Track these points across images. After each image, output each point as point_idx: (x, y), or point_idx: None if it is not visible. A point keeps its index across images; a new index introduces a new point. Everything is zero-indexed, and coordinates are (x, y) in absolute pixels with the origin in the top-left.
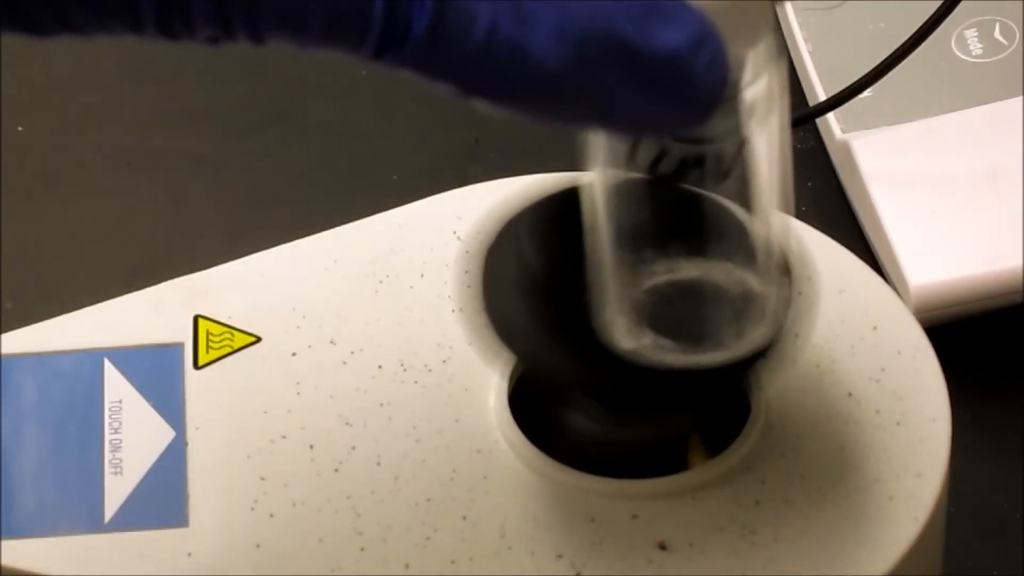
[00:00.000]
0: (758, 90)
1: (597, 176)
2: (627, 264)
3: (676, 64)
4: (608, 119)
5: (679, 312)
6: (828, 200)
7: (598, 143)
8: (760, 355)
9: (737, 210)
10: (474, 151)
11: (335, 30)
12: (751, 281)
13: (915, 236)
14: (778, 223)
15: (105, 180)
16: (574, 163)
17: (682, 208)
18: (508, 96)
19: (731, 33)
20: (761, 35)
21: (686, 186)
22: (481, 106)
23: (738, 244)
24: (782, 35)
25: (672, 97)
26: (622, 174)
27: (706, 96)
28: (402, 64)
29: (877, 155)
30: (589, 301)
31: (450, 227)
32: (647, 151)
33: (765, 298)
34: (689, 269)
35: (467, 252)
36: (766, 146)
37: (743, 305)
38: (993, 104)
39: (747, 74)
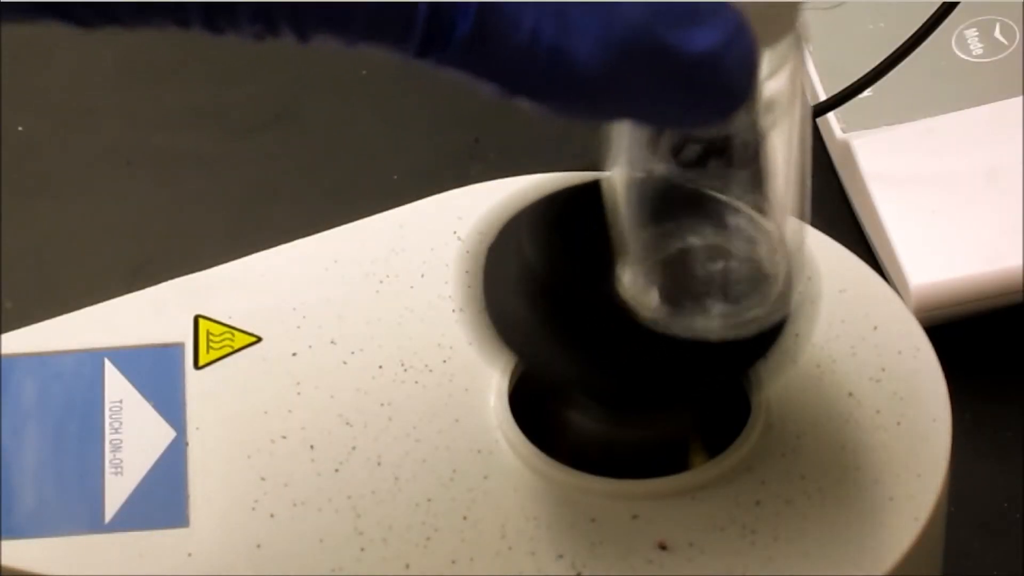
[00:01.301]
0: (781, 80)
1: (615, 153)
2: (643, 233)
3: (710, 63)
4: (642, 115)
5: (681, 279)
6: (828, 200)
7: (622, 128)
8: (762, 338)
9: (753, 192)
10: (474, 151)
11: (379, 29)
12: (763, 259)
13: (915, 236)
14: (793, 208)
15: (105, 180)
16: (575, 163)
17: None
18: (548, 97)
19: (761, 28)
20: (788, 30)
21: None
22: (522, 104)
23: (750, 223)
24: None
25: (705, 93)
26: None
27: (735, 92)
28: (445, 64)
29: (877, 155)
30: (607, 269)
31: (451, 227)
32: (670, 138)
33: (774, 277)
34: (696, 238)
35: (468, 252)
36: (786, 135)
37: (752, 280)
38: (993, 104)
39: (771, 65)
